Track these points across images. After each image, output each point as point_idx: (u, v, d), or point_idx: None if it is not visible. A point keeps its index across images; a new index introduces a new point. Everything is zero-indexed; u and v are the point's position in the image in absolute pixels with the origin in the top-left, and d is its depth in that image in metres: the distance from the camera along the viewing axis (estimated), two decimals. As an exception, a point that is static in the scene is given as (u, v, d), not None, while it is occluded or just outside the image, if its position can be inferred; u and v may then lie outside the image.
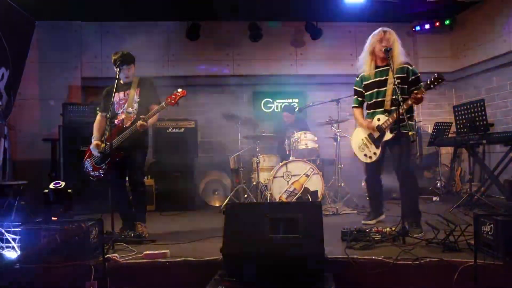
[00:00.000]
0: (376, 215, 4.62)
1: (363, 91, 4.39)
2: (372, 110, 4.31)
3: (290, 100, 7.91)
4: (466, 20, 7.53)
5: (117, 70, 4.18)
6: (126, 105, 4.24)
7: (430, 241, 3.44)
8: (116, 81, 4.09)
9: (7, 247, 3.34)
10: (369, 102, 4.34)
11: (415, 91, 3.90)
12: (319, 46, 7.79)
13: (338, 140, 6.14)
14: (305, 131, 6.07)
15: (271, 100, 8.04)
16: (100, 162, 4.18)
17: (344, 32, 8.00)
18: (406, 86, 4.11)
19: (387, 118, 4.12)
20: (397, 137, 3.94)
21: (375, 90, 4.24)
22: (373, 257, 3.10)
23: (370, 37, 4.28)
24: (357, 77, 4.45)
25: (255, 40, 7.47)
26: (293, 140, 5.95)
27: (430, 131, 7.29)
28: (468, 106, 5.57)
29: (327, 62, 7.89)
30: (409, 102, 3.95)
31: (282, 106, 7.78)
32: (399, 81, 3.97)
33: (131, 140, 4.14)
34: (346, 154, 7.51)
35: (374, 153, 4.31)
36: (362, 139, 4.41)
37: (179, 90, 4.16)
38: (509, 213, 4.13)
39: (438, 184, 6.85)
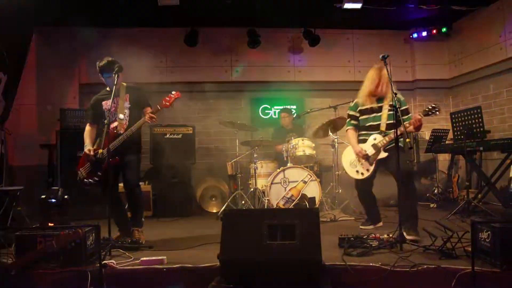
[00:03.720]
0: (374, 222, 4.72)
1: (358, 116, 4.55)
2: (366, 132, 4.48)
3: (288, 107, 7.91)
4: (462, 27, 7.58)
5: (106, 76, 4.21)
6: (116, 112, 4.23)
7: (427, 248, 3.44)
8: (113, 89, 4.03)
9: (3, 253, 3.33)
10: (364, 125, 4.50)
11: (414, 120, 4.04)
12: (317, 52, 7.82)
13: (336, 146, 6.14)
14: (303, 138, 6.08)
15: (269, 107, 8.05)
16: (94, 169, 4.14)
17: (342, 39, 8.04)
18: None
19: (383, 138, 4.29)
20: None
21: (372, 115, 4.43)
22: (371, 264, 3.10)
23: (367, 75, 4.44)
24: (352, 102, 4.67)
25: (254, 47, 7.49)
26: (291, 147, 5.95)
27: (427, 138, 7.30)
28: (465, 113, 5.60)
29: (325, 69, 7.93)
30: (411, 128, 4.10)
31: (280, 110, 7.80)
32: (391, 108, 4.12)
33: (126, 145, 4.15)
34: (343, 160, 7.51)
35: (367, 170, 4.42)
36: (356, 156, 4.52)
37: (173, 92, 4.16)
38: (506, 220, 4.14)
39: (436, 191, 6.85)
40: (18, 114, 7.01)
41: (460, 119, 5.70)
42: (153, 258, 3.31)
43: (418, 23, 7.65)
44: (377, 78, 4.30)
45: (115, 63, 4.16)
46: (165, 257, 3.34)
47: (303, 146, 5.91)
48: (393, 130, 4.02)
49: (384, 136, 4.29)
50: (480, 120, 5.39)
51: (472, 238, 3.05)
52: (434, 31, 7.73)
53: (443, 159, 7.72)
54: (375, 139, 4.35)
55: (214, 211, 6.69)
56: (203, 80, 7.68)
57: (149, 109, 4.25)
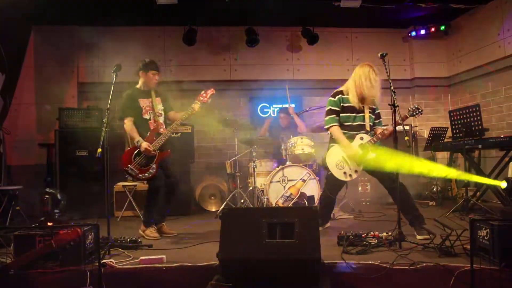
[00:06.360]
0: (323, 223, 4.61)
1: (340, 112, 4.40)
2: (350, 131, 4.34)
3: (287, 105, 7.90)
4: (461, 25, 7.59)
5: (150, 74, 4.57)
6: (153, 112, 4.52)
7: (426, 245, 3.45)
8: (112, 88, 4.04)
9: (2, 252, 3.33)
10: (346, 123, 4.37)
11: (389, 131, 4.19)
12: (316, 51, 7.82)
13: (335, 145, 6.13)
14: (302, 136, 6.08)
15: (268, 105, 8.04)
16: (146, 163, 4.34)
17: (341, 37, 8.04)
18: (374, 117, 4.43)
19: (370, 138, 4.25)
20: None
21: (354, 114, 4.36)
22: (370, 262, 3.11)
23: (360, 72, 4.28)
24: (334, 98, 4.42)
25: (252, 45, 7.48)
26: (290, 145, 5.95)
27: (426, 136, 7.31)
28: (464, 111, 5.60)
29: (324, 67, 7.92)
30: (380, 136, 4.22)
31: (278, 109, 7.78)
32: (371, 110, 4.38)
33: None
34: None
35: (356, 171, 4.31)
36: (343, 157, 4.33)
37: (209, 90, 4.68)
38: (504, 218, 4.15)
39: (434, 189, 6.87)
40: (17, 114, 6.99)
41: (458, 117, 5.70)
42: (152, 257, 3.32)
43: (416, 21, 7.65)
44: (375, 83, 4.18)
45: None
46: (164, 256, 3.34)
47: (302, 144, 5.91)
48: (385, 127, 4.26)
49: (370, 135, 4.29)
50: (478, 118, 5.39)
51: (471, 236, 3.05)
52: (433, 29, 7.73)
53: (442, 157, 7.73)
54: (362, 138, 4.26)
55: (213, 209, 6.70)
56: (202, 79, 7.65)
57: (172, 113, 4.67)
